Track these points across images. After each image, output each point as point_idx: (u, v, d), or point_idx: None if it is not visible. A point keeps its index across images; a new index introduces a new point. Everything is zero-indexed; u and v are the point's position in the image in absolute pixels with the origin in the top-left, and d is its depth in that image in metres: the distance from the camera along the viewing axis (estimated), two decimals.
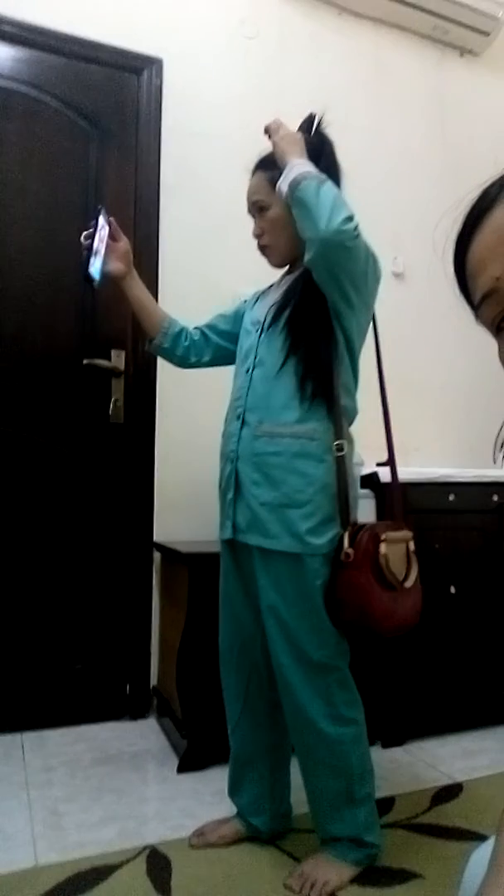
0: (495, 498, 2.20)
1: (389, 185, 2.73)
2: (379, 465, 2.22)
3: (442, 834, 1.52)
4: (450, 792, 1.74)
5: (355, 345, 1.40)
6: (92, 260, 1.46)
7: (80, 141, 2.29)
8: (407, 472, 2.10)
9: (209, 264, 2.41)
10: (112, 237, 1.56)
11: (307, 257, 1.29)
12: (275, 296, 1.48)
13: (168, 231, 2.38)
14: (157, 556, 2.30)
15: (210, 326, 1.66)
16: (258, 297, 1.58)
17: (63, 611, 2.19)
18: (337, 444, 1.33)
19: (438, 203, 2.80)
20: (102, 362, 2.25)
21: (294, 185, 1.28)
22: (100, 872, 1.33)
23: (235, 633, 1.47)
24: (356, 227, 1.24)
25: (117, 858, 1.38)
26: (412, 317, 2.73)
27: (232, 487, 1.40)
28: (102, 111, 2.33)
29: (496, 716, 2.21)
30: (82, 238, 1.50)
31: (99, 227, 1.50)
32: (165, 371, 2.34)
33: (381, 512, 2.05)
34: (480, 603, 2.18)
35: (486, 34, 2.77)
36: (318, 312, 1.34)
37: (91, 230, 1.49)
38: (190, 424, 2.38)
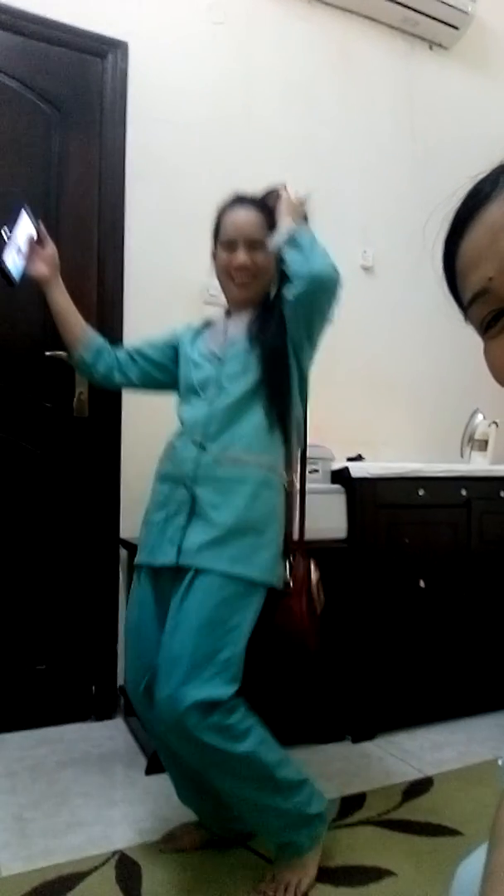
0: (464, 492, 2.21)
1: (358, 178, 2.72)
2: (350, 459, 2.22)
3: (413, 829, 1.52)
4: (420, 786, 1.74)
5: (307, 381, 1.49)
6: (10, 253, 1.43)
7: (41, 125, 2.21)
8: (377, 467, 2.10)
9: (177, 255, 2.36)
10: (39, 242, 1.54)
11: (293, 292, 1.35)
12: (233, 334, 1.48)
13: (134, 221, 2.32)
14: (123, 553, 2.25)
15: (138, 351, 1.64)
16: (197, 334, 1.58)
17: (25, 610, 2.13)
18: (288, 480, 1.45)
19: (408, 196, 2.81)
20: (65, 355, 2.18)
21: (292, 231, 1.37)
22: (67, 881, 1.29)
23: (146, 668, 1.35)
24: (339, 277, 1.35)
25: (85, 866, 1.34)
26: (381, 311, 2.73)
27: (185, 511, 1.35)
28: (66, 95, 2.25)
29: (463, 708, 2.23)
30: (3, 230, 1.46)
31: (20, 224, 1.46)
32: None
33: (352, 507, 2.04)
34: (449, 597, 2.19)
35: (456, 28, 2.77)
36: (283, 351, 1.41)
37: (11, 224, 1.45)
38: (157, 418, 2.31)
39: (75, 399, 2.22)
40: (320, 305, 1.38)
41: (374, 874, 1.34)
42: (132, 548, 2.11)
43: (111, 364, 1.62)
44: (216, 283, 1.59)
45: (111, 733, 2.08)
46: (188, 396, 1.50)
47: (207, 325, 1.60)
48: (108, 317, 2.25)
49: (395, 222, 2.75)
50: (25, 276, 1.51)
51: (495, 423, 2.55)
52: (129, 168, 2.31)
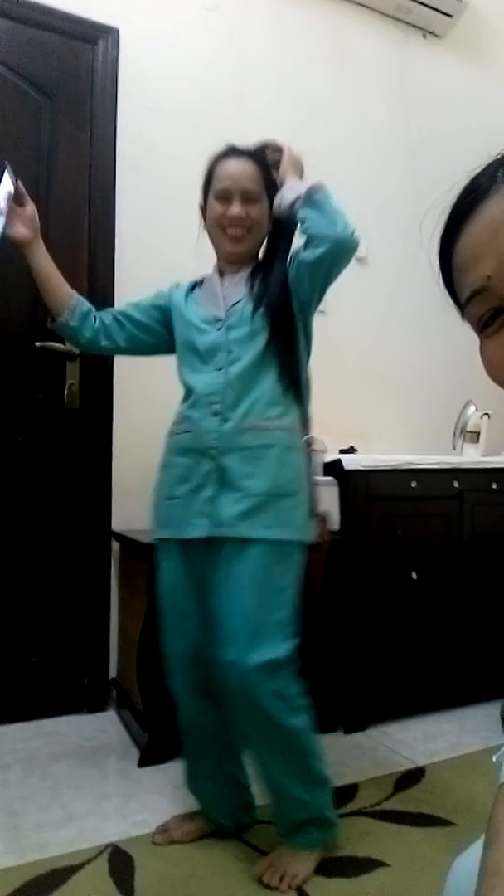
0: (456, 484, 2.21)
1: (351, 167, 2.70)
2: (342, 452, 2.22)
3: (406, 820, 1.52)
4: (412, 777, 1.75)
5: (311, 336, 1.47)
6: None
7: (31, 111, 2.17)
8: (369, 459, 2.10)
9: (168, 243, 2.33)
10: (17, 201, 1.46)
11: (315, 254, 1.31)
12: (233, 294, 1.45)
13: (125, 208, 2.29)
14: (115, 545, 2.24)
15: (124, 314, 1.58)
16: (189, 295, 1.54)
17: (17, 602, 2.12)
18: (307, 438, 1.43)
19: (401, 185, 2.79)
20: (56, 345, 2.16)
21: (313, 189, 1.33)
22: (60, 874, 1.28)
23: (190, 635, 1.40)
24: (358, 241, 1.33)
25: (78, 859, 1.34)
26: (374, 302, 2.71)
27: (212, 483, 1.36)
28: (56, 81, 2.21)
29: (455, 699, 2.24)
30: None
31: (1, 186, 1.40)
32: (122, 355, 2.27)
33: (345, 498, 2.04)
34: (441, 589, 2.19)
35: (450, 16, 2.75)
36: (289, 311, 1.40)
37: None
38: (148, 409, 2.31)
39: (66, 390, 2.20)
40: (339, 267, 1.35)
41: (366, 865, 1.34)
42: (124, 540, 2.11)
43: (97, 329, 1.56)
44: (206, 270, 1.57)
45: (104, 725, 2.07)
46: (193, 362, 1.47)
47: (197, 284, 1.56)
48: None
49: (388, 212, 2.73)
50: (4, 237, 1.43)
51: (487, 414, 2.55)
52: (119, 156, 2.29)
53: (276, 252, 1.46)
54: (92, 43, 2.27)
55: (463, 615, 2.23)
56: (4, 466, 2.11)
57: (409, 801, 1.62)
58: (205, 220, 1.50)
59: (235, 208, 1.42)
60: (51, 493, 2.17)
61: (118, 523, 2.24)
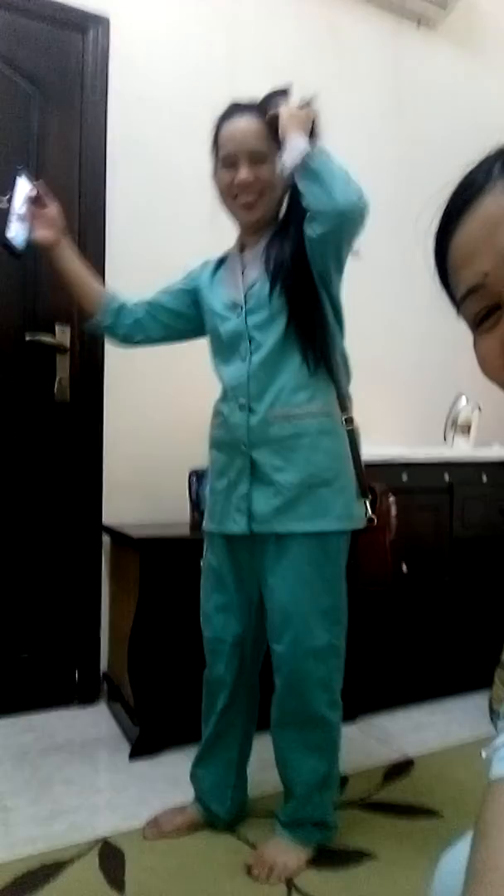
0: (447, 477, 2.21)
1: (344, 158, 2.67)
2: None
3: (394, 811, 1.54)
4: (401, 768, 1.76)
5: (340, 310, 1.40)
6: (9, 225, 1.34)
7: (20, 103, 2.14)
8: (362, 453, 2.09)
9: (159, 238, 2.32)
10: (39, 202, 1.42)
11: (317, 231, 1.24)
12: (250, 273, 1.40)
13: (115, 202, 2.27)
14: (106, 539, 2.24)
15: (155, 304, 1.54)
16: (213, 277, 1.50)
17: (8, 597, 2.11)
18: (346, 418, 1.38)
19: (394, 178, 2.78)
20: (46, 338, 2.15)
21: (309, 156, 1.23)
22: (50, 869, 1.29)
23: (232, 624, 1.43)
24: (367, 203, 1.23)
25: (68, 854, 1.34)
26: (366, 294, 2.69)
27: (246, 478, 1.35)
28: (45, 71, 2.19)
29: (444, 689, 2.26)
30: (1, 202, 1.38)
31: (17, 190, 1.37)
32: (113, 348, 2.25)
33: None
34: (431, 581, 2.20)
35: (443, 7, 2.72)
36: (309, 283, 1.31)
37: (9, 194, 1.36)
38: (139, 403, 2.31)
39: (56, 384, 2.18)
40: (349, 237, 1.26)
41: (355, 856, 1.36)
42: (115, 534, 2.10)
43: (130, 325, 1.53)
44: (198, 264, 1.56)
45: (94, 719, 2.08)
46: (220, 352, 1.44)
47: (222, 262, 1.50)
48: None
49: (381, 204, 2.70)
50: (30, 243, 1.39)
51: (479, 407, 2.56)
52: (110, 148, 2.26)
53: (292, 214, 1.34)
54: (82, 32, 2.24)
55: (453, 608, 2.24)
56: None
57: (398, 792, 1.63)
58: (217, 188, 1.43)
59: (243, 173, 1.33)
60: (41, 487, 2.16)
61: (109, 517, 2.23)
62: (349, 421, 1.38)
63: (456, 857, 0.57)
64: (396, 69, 2.82)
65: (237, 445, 1.36)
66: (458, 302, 0.52)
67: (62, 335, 2.18)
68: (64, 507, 2.20)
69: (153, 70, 2.34)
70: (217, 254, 1.57)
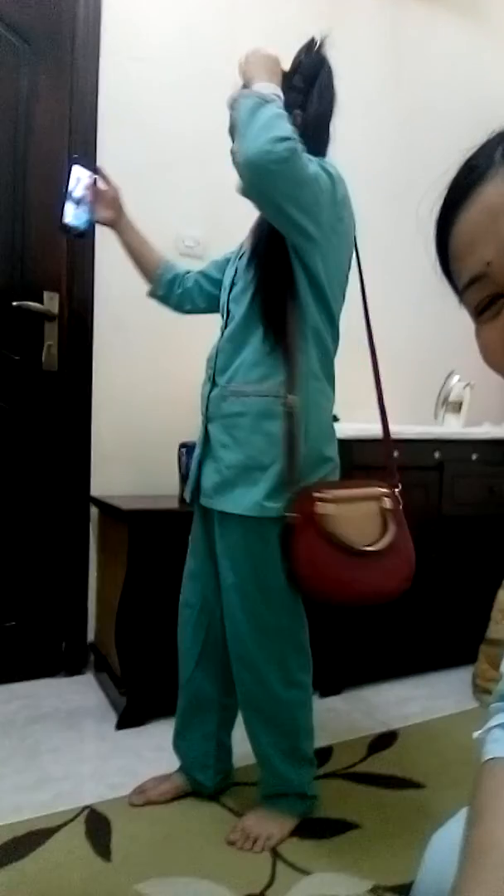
0: (437, 455, 2.21)
1: (340, 130, 2.61)
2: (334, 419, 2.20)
3: (378, 782, 1.56)
4: (385, 739, 1.79)
5: (323, 281, 1.26)
6: (70, 210, 1.46)
7: (9, 59, 2.06)
8: (352, 429, 2.09)
9: (151, 203, 2.26)
10: (98, 186, 1.53)
11: (238, 188, 1.22)
12: (247, 243, 1.40)
13: (106, 165, 2.17)
14: (94, 510, 2.22)
15: (203, 274, 1.60)
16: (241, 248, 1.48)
17: None
18: (284, 399, 1.25)
19: (393, 150, 2.73)
20: (34, 305, 2.10)
21: (230, 103, 1.19)
22: (37, 837, 1.29)
23: (198, 591, 1.45)
24: (287, 149, 1.08)
25: (55, 821, 1.35)
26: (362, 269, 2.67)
27: (201, 449, 1.38)
28: (35, 26, 2.10)
29: (428, 663, 2.29)
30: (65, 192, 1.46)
31: (73, 177, 1.47)
32: (103, 315, 2.22)
33: (343, 471, 2.03)
34: (419, 558, 2.20)
35: None
36: (281, 254, 1.24)
37: (67, 181, 1.47)
38: (129, 372, 2.28)
39: (44, 352, 2.14)
40: (275, 192, 1.13)
41: (339, 826, 1.37)
42: (103, 505, 2.09)
43: (180, 294, 1.59)
44: (193, 232, 1.53)
45: (81, 689, 2.08)
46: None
47: None
48: (79, 266, 2.17)
49: (378, 177, 2.67)
50: (93, 223, 1.52)
51: (470, 385, 2.55)
52: (101, 109, 2.19)
53: None
54: None
55: (439, 584, 2.26)
56: None
57: (381, 763, 1.65)
58: None
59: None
60: (28, 457, 2.14)
61: (97, 489, 2.21)
62: (286, 403, 1.24)
63: (446, 837, 0.57)
64: (397, 39, 2.75)
65: (202, 417, 1.40)
66: (460, 291, 0.51)
67: (50, 302, 2.14)
68: (51, 477, 2.17)
69: (147, 28, 2.27)
70: (210, 218, 1.55)
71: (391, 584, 1.31)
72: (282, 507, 1.25)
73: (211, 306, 1.59)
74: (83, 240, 1.57)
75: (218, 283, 1.55)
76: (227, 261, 1.53)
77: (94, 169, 1.54)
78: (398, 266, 2.63)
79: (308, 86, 1.26)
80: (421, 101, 2.80)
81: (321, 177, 1.19)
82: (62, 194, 1.47)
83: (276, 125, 1.10)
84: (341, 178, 1.26)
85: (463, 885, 0.43)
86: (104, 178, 1.53)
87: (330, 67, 1.32)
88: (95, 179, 1.53)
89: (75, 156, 1.58)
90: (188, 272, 1.61)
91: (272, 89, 1.20)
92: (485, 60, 2.96)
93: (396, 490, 1.37)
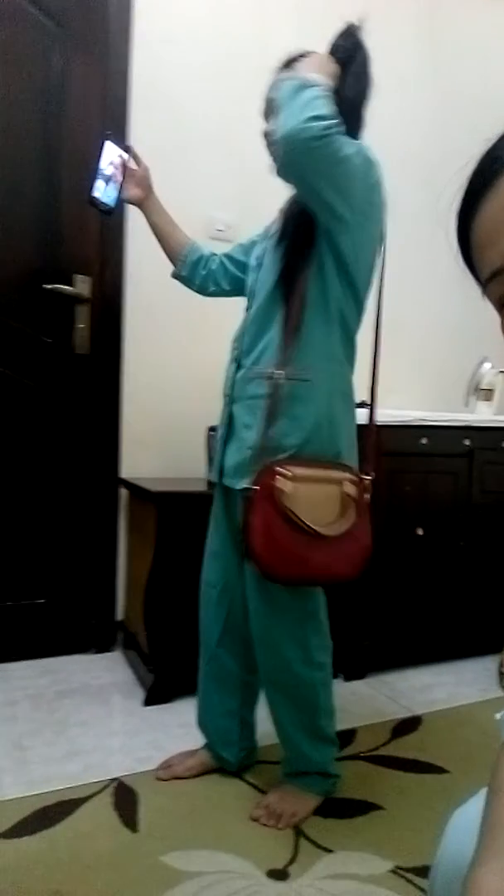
0: (467, 442, 2.19)
1: (373, 112, 2.57)
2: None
3: (401, 766, 1.57)
4: (409, 724, 1.79)
5: (351, 266, 1.27)
6: (100, 185, 1.46)
7: (42, 41, 2.07)
8: (381, 415, 2.07)
9: (182, 187, 2.26)
10: (129, 163, 1.54)
11: (274, 165, 1.20)
12: (275, 225, 1.41)
13: (138, 148, 2.15)
14: (123, 492, 2.25)
15: (229, 256, 1.61)
16: (269, 229, 1.49)
17: (27, 545, 2.15)
18: (275, 373, 1.26)
19: (426, 133, 2.68)
20: (65, 287, 2.13)
21: (272, 90, 1.20)
22: (66, 806, 1.33)
23: (220, 571, 1.47)
24: (325, 127, 1.10)
25: (84, 792, 1.39)
26: (393, 254, 2.63)
27: (225, 430, 1.39)
28: (68, 9, 2.10)
29: (453, 651, 2.28)
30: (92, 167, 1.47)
31: (105, 154, 1.47)
32: (134, 299, 2.23)
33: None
34: (446, 545, 2.20)
35: None
36: (311, 236, 1.25)
37: (97, 158, 1.46)
38: (159, 355, 2.30)
39: (75, 334, 2.17)
40: (312, 171, 1.14)
41: (361, 807, 1.39)
42: (132, 487, 2.12)
43: (205, 276, 1.60)
44: (223, 216, 1.53)
45: (110, 665, 2.13)
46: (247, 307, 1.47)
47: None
48: (110, 250, 2.18)
49: (411, 159, 2.63)
50: (121, 201, 1.53)
51: (502, 372, 2.52)
52: (133, 91, 2.19)
53: None
54: None
55: (466, 572, 2.25)
56: (13, 410, 2.10)
57: (405, 747, 1.66)
58: None
59: (265, 125, 1.35)
60: (59, 438, 2.17)
61: (126, 471, 2.24)
62: (272, 376, 1.25)
63: (467, 815, 0.57)
64: (433, 21, 2.69)
65: (225, 397, 1.41)
66: (483, 283, 0.50)
67: (82, 285, 2.16)
68: (81, 459, 2.21)
69: (178, 10, 2.25)
70: (240, 201, 1.55)
71: (341, 568, 1.28)
72: (241, 478, 1.30)
73: (235, 289, 1.60)
74: (109, 217, 1.56)
75: (243, 267, 1.56)
76: (253, 244, 1.54)
77: (126, 147, 1.53)
78: (430, 249, 2.59)
79: (343, 69, 1.26)
80: (457, 85, 2.74)
81: (357, 158, 1.18)
82: (93, 168, 1.46)
83: (317, 104, 1.12)
84: (376, 162, 1.25)
85: (482, 857, 0.44)
86: (135, 156, 1.54)
87: (366, 52, 1.30)
88: (126, 158, 1.52)
89: (108, 132, 1.57)
90: (213, 254, 1.61)
91: (319, 77, 1.21)
92: None
93: (367, 478, 1.33)
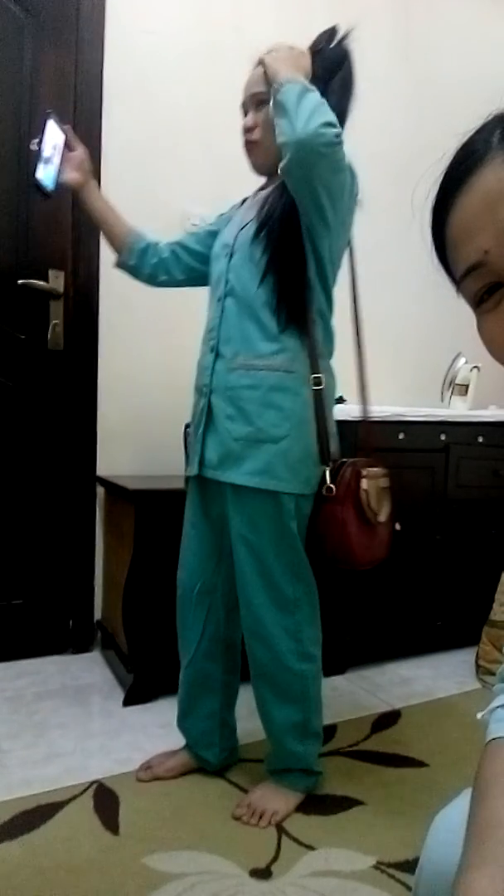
0: (443, 437, 2.21)
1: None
2: (337, 401, 2.20)
3: (381, 760, 1.58)
4: (389, 718, 1.81)
5: (327, 268, 1.33)
6: (41, 167, 1.39)
7: (12, 30, 2.03)
8: (358, 410, 2.08)
9: (157, 180, 2.24)
10: (68, 146, 1.47)
11: (281, 165, 1.21)
12: (248, 214, 1.39)
13: (112, 140, 2.18)
14: (100, 490, 2.23)
15: (180, 244, 1.57)
16: (229, 218, 1.49)
17: (2, 546, 2.11)
18: (314, 378, 1.32)
19: (400, 123, 2.69)
20: (40, 283, 2.09)
21: (276, 88, 1.20)
22: (46, 810, 1.32)
23: (197, 570, 1.45)
24: (337, 136, 1.16)
25: (63, 795, 1.37)
26: (367, 247, 2.62)
27: (203, 421, 1.37)
28: None
29: (431, 644, 2.31)
30: (32, 145, 1.40)
31: (47, 133, 1.40)
32: (109, 295, 2.21)
33: (344, 450, 2.03)
34: (423, 540, 2.22)
35: None
36: (295, 233, 1.28)
37: (40, 136, 1.39)
38: (135, 351, 2.27)
39: (50, 330, 2.14)
40: (318, 172, 1.19)
41: (343, 803, 1.40)
42: (109, 485, 2.09)
43: (155, 265, 1.56)
44: (198, 210, 1.52)
45: (89, 666, 2.11)
46: (210, 295, 1.45)
47: (243, 202, 1.50)
48: (83, 244, 2.15)
49: (386, 151, 2.63)
50: (60, 185, 1.45)
51: (477, 367, 2.54)
52: (106, 83, 2.16)
53: None
54: None
55: (443, 565, 2.27)
56: None
57: (385, 742, 1.67)
58: None
59: (246, 118, 1.37)
60: (34, 437, 2.14)
61: (103, 468, 2.22)
62: (317, 381, 1.31)
63: (449, 819, 0.57)
64: (406, 9, 2.69)
65: (202, 389, 1.39)
66: (457, 280, 0.49)
67: (56, 280, 2.12)
68: (58, 456, 2.18)
69: (154, 0, 2.22)
70: (216, 196, 1.53)
71: (382, 552, 1.41)
72: (300, 481, 1.31)
73: (189, 278, 1.58)
74: (49, 199, 1.48)
75: (196, 255, 1.55)
76: (208, 232, 1.54)
77: (64, 128, 1.46)
78: (404, 245, 2.60)
79: (328, 76, 1.28)
80: (431, 72, 2.75)
81: (351, 171, 1.27)
82: (35, 149, 1.40)
83: (325, 111, 1.16)
84: (356, 175, 1.30)
85: (469, 863, 0.44)
86: (71, 138, 1.47)
87: (352, 61, 1.33)
88: (66, 137, 1.46)
89: (49, 110, 1.47)
90: (159, 242, 1.58)
91: (304, 81, 1.23)
92: (494, 32, 2.90)
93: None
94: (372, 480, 1.34)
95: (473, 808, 0.49)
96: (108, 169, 2.17)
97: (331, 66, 1.29)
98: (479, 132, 0.46)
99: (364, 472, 1.33)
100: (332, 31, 1.33)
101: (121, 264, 1.58)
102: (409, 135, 2.67)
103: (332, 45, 1.32)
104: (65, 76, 2.11)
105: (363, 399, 1.53)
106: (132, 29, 2.19)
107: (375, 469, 1.37)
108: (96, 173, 2.14)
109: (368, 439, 1.57)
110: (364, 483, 1.32)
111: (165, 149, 2.25)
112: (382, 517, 1.37)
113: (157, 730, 1.69)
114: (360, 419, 1.64)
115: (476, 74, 2.77)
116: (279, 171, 1.23)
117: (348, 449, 2.07)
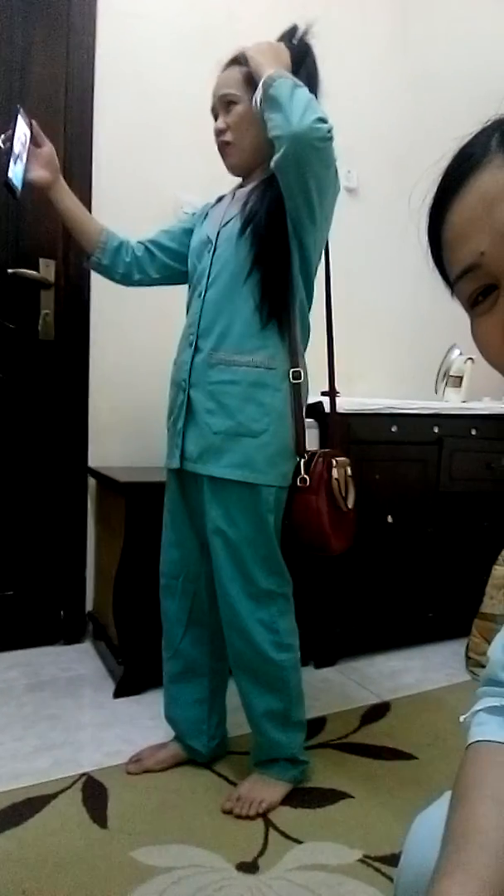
0: (436, 430, 2.20)
1: (344, 92, 2.55)
2: (324, 394, 2.18)
3: (370, 753, 1.59)
4: (378, 711, 1.81)
5: (312, 263, 1.35)
6: (11, 165, 1.30)
7: (2, 13, 1.99)
8: (351, 403, 2.07)
9: (148, 167, 2.21)
10: (34, 142, 1.40)
11: (275, 158, 1.21)
12: (230, 211, 1.39)
13: (103, 126, 2.15)
14: (91, 482, 2.22)
15: (154, 242, 1.55)
16: (206, 213, 1.48)
17: None
18: (293, 372, 1.34)
19: (398, 113, 2.66)
20: (30, 272, 2.07)
21: (268, 83, 1.20)
22: (34, 803, 1.32)
23: (180, 562, 1.46)
24: (329, 130, 1.17)
25: (53, 788, 1.38)
26: (363, 236, 2.62)
27: (183, 415, 1.37)
28: None
29: (421, 636, 2.31)
30: (1, 142, 1.33)
31: (17, 129, 1.33)
32: (100, 284, 2.17)
33: (324, 442, 2.02)
34: (415, 532, 2.22)
35: None
36: (281, 229, 1.28)
37: (9, 132, 1.32)
38: (126, 341, 2.26)
39: (41, 321, 2.12)
40: (312, 166, 1.19)
41: (331, 796, 1.40)
42: (100, 477, 2.08)
43: (129, 263, 1.53)
44: (190, 198, 1.50)
45: (80, 657, 2.11)
46: (190, 290, 1.45)
47: (219, 200, 1.50)
48: None
49: (383, 141, 2.61)
50: (27, 183, 1.38)
51: (471, 358, 2.53)
52: (98, 68, 2.13)
53: None
54: None
55: (434, 558, 2.27)
56: None
57: (374, 734, 1.68)
58: None
59: (217, 121, 1.38)
60: (25, 428, 2.13)
61: (94, 460, 2.21)
62: (296, 375, 1.34)
63: (429, 822, 0.57)
64: (403, 1, 2.66)
65: (180, 383, 1.39)
66: (452, 282, 0.50)
67: (46, 270, 2.10)
68: (49, 448, 2.16)
69: None
70: (208, 183, 1.52)
71: (351, 538, 1.44)
72: (279, 475, 1.33)
73: (164, 277, 1.57)
74: (16, 200, 1.38)
75: (172, 252, 1.54)
76: (183, 230, 1.53)
77: (29, 123, 1.38)
78: (401, 235, 2.58)
79: (294, 70, 1.28)
80: (428, 63, 2.71)
81: (336, 167, 1.26)
82: (6, 144, 1.31)
83: (317, 106, 1.18)
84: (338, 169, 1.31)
85: (445, 869, 0.44)
86: (37, 134, 1.41)
87: (314, 55, 1.35)
88: (32, 133, 1.39)
89: (18, 105, 1.39)
90: (136, 241, 1.55)
91: (289, 75, 1.23)
92: (491, 24, 2.86)
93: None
94: (340, 469, 1.38)
95: (451, 813, 0.49)
96: (101, 156, 2.14)
97: (295, 61, 1.30)
98: (477, 135, 0.46)
99: (334, 462, 1.37)
100: (293, 29, 1.35)
101: (94, 264, 1.54)
102: (407, 124, 2.64)
103: (293, 41, 1.33)
104: (56, 60, 2.08)
105: (331, 391, 1.55)
106: (124, 13, 2.15)
107: (342, 458, 1.41)
108: (87, 159, 2.13)
109: (336, 430, 1.65)
110: (335, 472, 1.36)
111: (158, 134, 2.22)
112: (350, 503, 1.41)
113: (147, 721, 1.69)
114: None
115: (473, 67, 2.75)
116: (272, 166, 1.23)
117: (342, 440, 2.07)
